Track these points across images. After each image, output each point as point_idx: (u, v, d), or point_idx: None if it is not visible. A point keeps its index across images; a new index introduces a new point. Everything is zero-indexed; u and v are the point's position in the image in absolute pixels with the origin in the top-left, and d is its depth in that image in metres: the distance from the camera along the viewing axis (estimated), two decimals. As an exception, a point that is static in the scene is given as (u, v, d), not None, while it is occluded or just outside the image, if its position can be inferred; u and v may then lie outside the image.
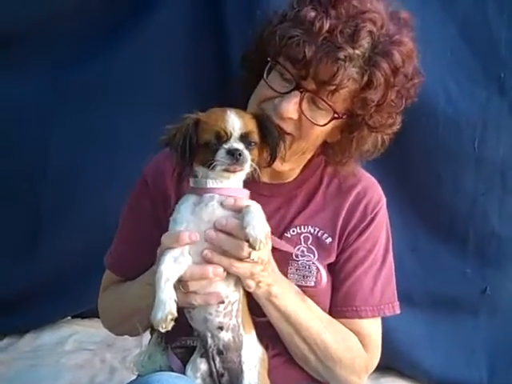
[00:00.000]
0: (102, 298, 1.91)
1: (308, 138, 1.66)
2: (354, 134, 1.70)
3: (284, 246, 1.68)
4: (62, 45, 2.58)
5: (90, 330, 3.04)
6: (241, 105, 1.65)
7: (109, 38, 2.57)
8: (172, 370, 1.64)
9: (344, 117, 1.65)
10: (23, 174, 2.71)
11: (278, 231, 1.73)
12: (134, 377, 1.73)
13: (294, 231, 1.75)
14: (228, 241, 1.47)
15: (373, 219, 1.78)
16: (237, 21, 2.36)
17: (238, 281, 1.56)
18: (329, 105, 1.60)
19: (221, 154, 1.48)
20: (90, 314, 3.01)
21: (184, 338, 1.68)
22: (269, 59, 1.65)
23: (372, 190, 1.82)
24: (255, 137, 1.54)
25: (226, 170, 1.50)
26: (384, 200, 1.83)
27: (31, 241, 2.81)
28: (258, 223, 1.44)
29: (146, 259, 1.62)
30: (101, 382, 2.67)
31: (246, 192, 1.56)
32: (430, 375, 2.68)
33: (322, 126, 1.63)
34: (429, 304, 2.63)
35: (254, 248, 1.42)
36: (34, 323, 3.06)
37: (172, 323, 1.41)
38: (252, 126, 1.54)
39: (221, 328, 1.56)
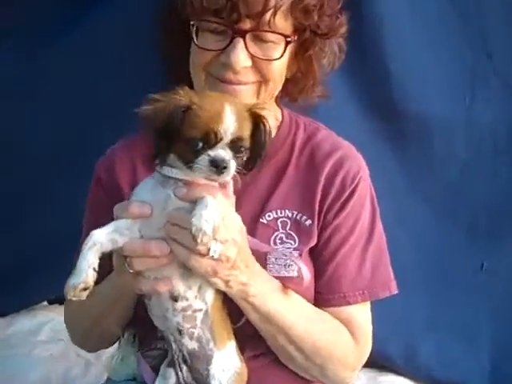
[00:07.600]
0: (67, 304, 1.76)
1: (271, 76, 1.56)
2: (310, 52, 1.62)
3: (260, 246, 1.51)
4: (38, 18, 2.42)
5: (65, 318, 2.92)
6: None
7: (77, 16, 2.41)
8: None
9: (295, 38, 1.55)
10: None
11: (253, 219, 1.57)
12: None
13: (269, 216, 1.58)
14: (181, 233, 1.30)
15: (353, 192, 1.60)
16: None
17: (204, 290, 1.41)
18: (275, 32, 1.50)
19: (203, 162, 1.29)
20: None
21: (155, 342, 1.54)
22: (192, 22, 1.53)
23: (350, 159, 1.64)
24: (247, 143, 1.33)
25: (205, 178, 1.32)
26: (365, 169, 1.66)
27: (8, 219, 2.65)
28: (207, 214, 1.26)
29: None
30: (76, 375, 2.54)
31: (217, 187, 1.37)
32: (427, 369, 2.54)
33: (279, 58, 1.54)
34: (423, 284, 2.49)
35: (195, 240, 1.24)
36: (8, 307, 2.89)
37: (84, 293, 1.28)
38: (247, 128, 1.33)
39: (180, 332, 1.42)
